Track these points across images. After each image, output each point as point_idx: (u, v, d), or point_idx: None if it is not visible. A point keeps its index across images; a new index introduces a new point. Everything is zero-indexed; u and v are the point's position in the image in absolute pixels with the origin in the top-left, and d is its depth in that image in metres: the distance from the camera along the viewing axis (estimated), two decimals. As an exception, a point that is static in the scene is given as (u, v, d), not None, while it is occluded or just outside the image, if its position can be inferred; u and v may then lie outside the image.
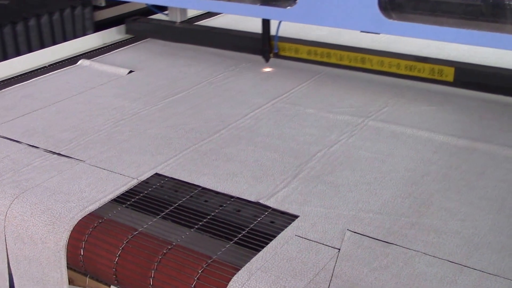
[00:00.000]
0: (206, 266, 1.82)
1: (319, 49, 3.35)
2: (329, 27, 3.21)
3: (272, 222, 2.02)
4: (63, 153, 2.50)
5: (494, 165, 2.35)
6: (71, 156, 2.48)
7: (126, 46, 3.92)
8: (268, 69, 3.43)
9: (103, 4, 4.23)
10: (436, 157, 2.41)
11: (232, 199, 2.16)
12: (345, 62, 3.29)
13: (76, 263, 2.04)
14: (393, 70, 3.16)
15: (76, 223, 2.05)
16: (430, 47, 3.41)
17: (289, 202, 2.13)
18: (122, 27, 4.06)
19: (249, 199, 2.16)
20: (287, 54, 3.46)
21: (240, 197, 2.17)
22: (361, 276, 1.75)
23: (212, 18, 4.33)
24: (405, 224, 1.99)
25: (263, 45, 3.47)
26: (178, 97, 3.08)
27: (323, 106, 2.92)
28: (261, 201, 2.14)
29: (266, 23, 3.38)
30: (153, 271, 1.87)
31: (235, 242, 1.93)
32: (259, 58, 3.52)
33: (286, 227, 1.99)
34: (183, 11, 4.01)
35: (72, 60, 3.64)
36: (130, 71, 3.44)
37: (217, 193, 2.20)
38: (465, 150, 2.47)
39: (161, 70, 3.48)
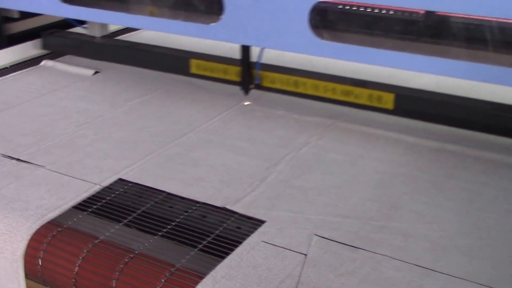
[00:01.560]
0: (169, 274, 1.77)
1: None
2: (255, 46, 2.85)
3: (238, 227, 1.98)
4: (22, 159, 2.42)
5: (462, 166, 2.33)
6: (30, 161, 2.39)
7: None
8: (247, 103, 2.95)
9: (16, 16, 3.64)
10: (405, 159, 2.39)
11: (197, 205, 2.11)
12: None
13: (34, 273, 1.97)
14: (329, 95, 2.84)
15: (34, 232, 1.97)
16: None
17: (256, 207, 2.08)
18: (38, 42, 3.62)
19: (215, 204, 2.10)
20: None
21: (206, 202, 2.12)
22: (328, 282, 1.71)
23: (137, 31, 3.88)
24: (373, 228, 1.96)
25: (242, 75, 2.99)
26: (145, 99, 3.01)
27: (293, 107, 2.88)
28: (227, 207, 2.09)
29: (245, 48, 2.91)
30: (114, 281, 1.81)
31: (200, 249, 1.87)
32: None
33: (252, 232, 1.94)
34: (104, 25, 3.61)
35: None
36: (96, 72, 3.36)
37: (183, 198, 2.15)
38: (434, 151, 2.45)
39: (128, 70, 3.40)
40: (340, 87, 2.78)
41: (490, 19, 2.26)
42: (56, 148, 2.50)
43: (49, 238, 1.95)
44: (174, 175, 2.29)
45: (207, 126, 2.69)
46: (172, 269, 1.78)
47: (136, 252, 1.86)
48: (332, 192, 2.16)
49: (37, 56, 3.60)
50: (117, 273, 1.81)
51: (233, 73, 3.02)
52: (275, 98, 2.96)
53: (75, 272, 1.87)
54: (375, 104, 2.71)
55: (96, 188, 2.21)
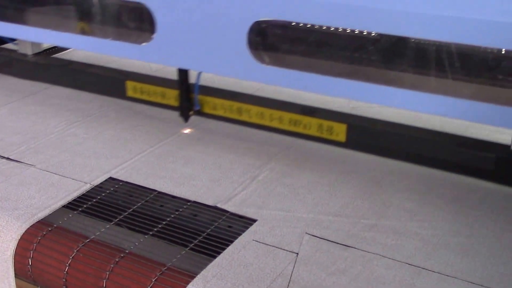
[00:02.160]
0: (160, 274, 1.76)
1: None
2: (191, 69, 2.58)
3: (229, 226, 1.97)
4: (12, 158, 2.40)
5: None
6: (20, 160, 2.38)
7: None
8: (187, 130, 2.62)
9: None
10: (396, 157, 2.38)
11: (188, 203, 2.10)
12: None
13: (24, 273, 1.95)
14: (275, 124, 2.53)
15: (24, 231, 1.96)
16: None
17: (247, 205, 2.08)
18: None
19: (206, 203, 2.09)
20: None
21: (197, 201, 2.11)
22: (319, 280, 1.71)
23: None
24: (364, 226, 1.96)
25: (180, 100, 2.68)
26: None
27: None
28: (218, 205, 2.08)
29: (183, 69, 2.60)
30: (104, 280, 1.80)
31: (191, 249, 1.87)
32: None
33: (243, 231, 1.93)
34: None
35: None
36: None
37: (174, 197, 2.14)
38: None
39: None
40: (287, 115, 2.48)
41: (450, 42, 1.90)
42: (46, 147, 2.48)
43: (39, 238, 1.94)
44: (164, 174, 2.28)
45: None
46: (163, 269, 1.77)
47: (127, 251, 1.85)
48: (323, 191, 2.15)
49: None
50: (107, 272, 1.80)
51: (172, 97, 2.73)
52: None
53: (65, 272, 1.86)
54: (325, 135, 2.42)
55: (87, 187, 2.20)
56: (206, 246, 1.87)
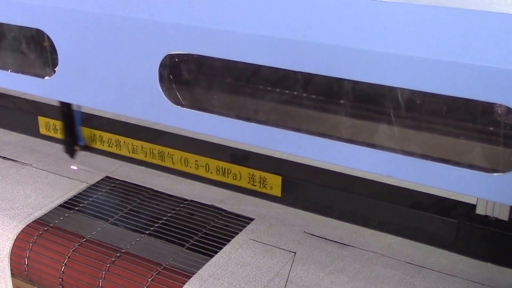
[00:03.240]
0: (156, 274, 1.74)
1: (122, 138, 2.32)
2: (95, 108, 2.21)
3: (226, 225, 1.95)
4: (8, 157, 2.38)
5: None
6: (16, 159, 2.36)
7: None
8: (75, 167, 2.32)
9: None
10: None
11: (185, 202, 2.08)
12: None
13: (21, 272, 1.94)
14: (201, 173, 2.15)
15: (20, 231, 1.94)
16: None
17: (244, 204, 2.06)
18: None
19: (203, 202, 2.08)
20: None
21: (194, 200, 2.09)
22: (317, 280, 1.69)
23: None
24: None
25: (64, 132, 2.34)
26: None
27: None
28: (215, 204, 2.06)
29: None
30: (101, 280, 1.78)
31: (188, 248, 1.85)
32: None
33: (240, 230, 1.92)
34: None
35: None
36: None
37: (170, 196, 2.12)
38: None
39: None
40: (214, 163, 2.11)
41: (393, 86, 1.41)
42: (42, 146, 2.46)
43: (35, 237, 1.92)
44: (161, 172, 2.26)
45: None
46: (159, 268, 1.75)
47: (123, 251, 1.84)
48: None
49: None
50: (103, 272, 1.78)
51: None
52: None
53: (61, 271, 1.84)
54: (258, 188, 2.05)
55: (83, 186, 2.18)
56: (203, 245, 1.86)
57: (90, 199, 2.11)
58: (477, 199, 1.73)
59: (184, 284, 1.68)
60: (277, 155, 2.03)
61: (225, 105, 1.79)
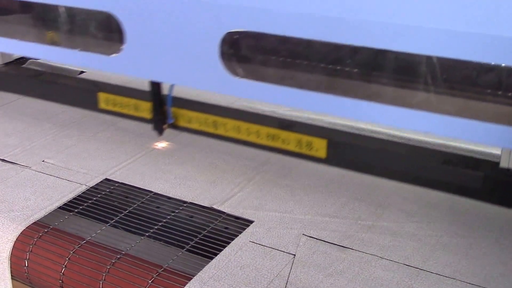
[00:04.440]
0: (156, 275, 1.75)
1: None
2: (162, 82, 2.51)
3: (226, 228, 1.96)
4: (7, 159, 2.39)
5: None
6: (15, 162, 2.36)
7: None
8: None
9: None
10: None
11: (184, 205, 2.09)
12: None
13: (21, 275, 1.94)
14: (252, 139, 2.41)
15: (20, 233, 1.95)
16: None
17: (244, 206, 2.07)
18: None
19: (202, 204, 2.09)
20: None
21: (194, 202, 2.10)
22: (316, 282, 1.70)
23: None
24: (361, 227, 1.95)
25: (153, 112, 2.58)
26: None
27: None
28: (215, 206, 2.07)
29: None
30: (101, 282, 1.79)
31: (188, 250, 1.86)
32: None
33: (240, 233, 1.93)
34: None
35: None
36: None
37: (170, 198, 2.13)
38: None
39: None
40: (264, 129, 2.36)
41: (431, 55, 1.75)
42: (41, 148, 2.47)
43: (35, 239, 1.93)
44: (160, 175, 2.27)
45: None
46: (159, 270, 1.76)
47: (123, 253, 1.84)
48: (319, 192, 2.15)
49: None
50: (103, 274, 1.79)
51: (145, 109, 2.63)
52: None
53: (61, 273, 1.85)
54: (304, 151, 2.32)
55: (82, 188, 2.19)
56: (203, 247, 1.87)
57: (90, 201, 2.11)
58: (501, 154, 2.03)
59: (184, 285, 1.69)
60: (319, 123, 2.37)
61: (277, 75, 2.12)
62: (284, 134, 2.32)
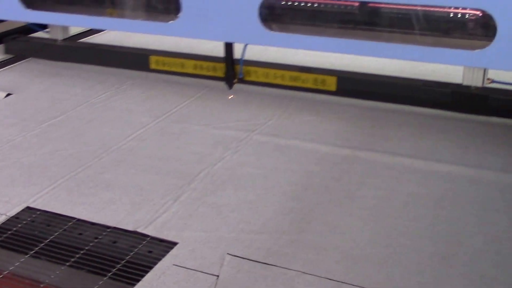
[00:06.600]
0: (76, 307, 1.71)
1: (205, 63, 3.32)
2: (211, 40, 3.23)
3: (149, 251, 1.94)
4: None
5: (373, 173, 2.38)
6: None
7: (4, 67, 3.69)
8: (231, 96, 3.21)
9: None
10: (318, 169, 2.41)
11: (108, 230, 2.05)
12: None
13: None
14: (278, 81, 3.20)
15: None
16: (315, 55, 3.42)
17: (169, 228, 2.05)
18: (1, 47, 3.86)
19: (126, 228, 2.05)
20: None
21: (117, 226, 2.06)
22: (239, 303, 1.70)
23: (96, 35, 4.15)
24: (286, 242, 1.96)
25: (226, 70, 3.25)
26: (58, 120, 2.92)
27: (209, 122, 2.87)
28: (139, 230, 2.04)
29: (229, 47, 3.21)
30: (19, 317, 1.74)
31: (110, 277, 1.82)
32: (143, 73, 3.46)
33: (164, 256, 1.91)
34: (65, 28, 3.83)
35: None
36: (8, 94, 3.24)
37: (93, 224, 2.09)
38: (347, 159, 2.48)
39: (42, 92, 3.30)
40: (288, 73, 3.17)
41: (415, 7, 2.69)
42: (-40, 177, 2.39)
43: (-50, 276, 1.85)
44: (84, 200, 2.22)
45: (120, 146, 2.64)
46: (80, 301, 1.72)
47: (42, 285, 1.79)
48: (245, 208, 2.15)
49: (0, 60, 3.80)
50: (22, 308, 1.74)
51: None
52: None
53: (-22, 311, 1.79)
54: (319, 86, 3.10)
55: (2, 218, 2.12)
56: (125, 274, 1.83)
57: (9, 232, 2.05)
58: (463, 74, 2.89)
59: (104, 316, 1.66)
60: (328, 65, 3.23)
61: (302, 29, 2.98)
62: (303, 75, 3.13)
